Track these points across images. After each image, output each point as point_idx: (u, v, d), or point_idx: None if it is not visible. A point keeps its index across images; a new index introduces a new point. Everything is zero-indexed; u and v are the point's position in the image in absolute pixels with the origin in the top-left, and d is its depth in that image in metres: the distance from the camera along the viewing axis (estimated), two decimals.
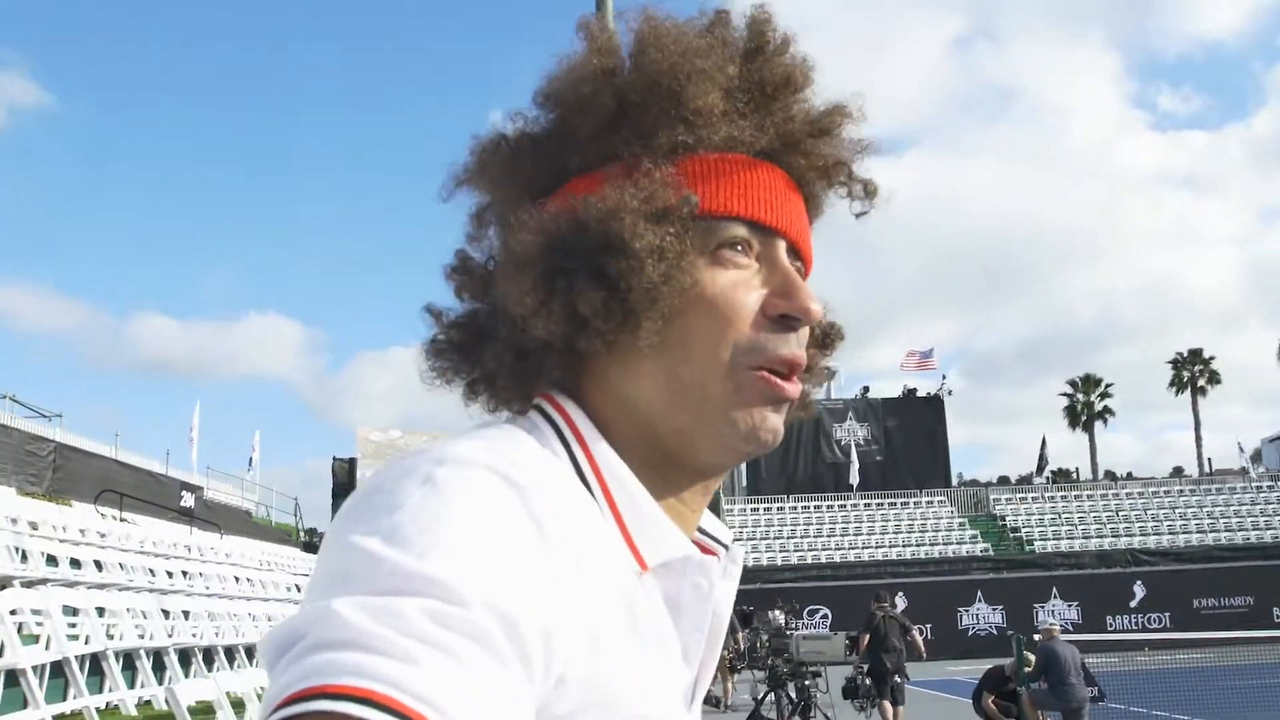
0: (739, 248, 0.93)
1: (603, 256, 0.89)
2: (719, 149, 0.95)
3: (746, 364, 0.90)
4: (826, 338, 1.11)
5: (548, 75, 0.99)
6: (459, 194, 1.04)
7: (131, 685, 10.37)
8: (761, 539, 38.77)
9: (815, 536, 39.05)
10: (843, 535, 39.05)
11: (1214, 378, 63.16)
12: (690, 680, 0.93)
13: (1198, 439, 62.03)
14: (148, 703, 10.36)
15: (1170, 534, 37.81)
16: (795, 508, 41.23)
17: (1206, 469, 58.99)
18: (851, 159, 1.03)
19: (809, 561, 36.52)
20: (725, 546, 1.02)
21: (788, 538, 38.96)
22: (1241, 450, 49.67)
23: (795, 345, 0.93)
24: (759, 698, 14.51)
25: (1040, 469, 49.60)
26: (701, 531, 1.02)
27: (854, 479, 42.75)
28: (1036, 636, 13.83)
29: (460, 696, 0.63)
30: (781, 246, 0.95)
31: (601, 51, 0.96)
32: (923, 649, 16.62)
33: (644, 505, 0.89)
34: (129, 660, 10.60)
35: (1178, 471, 67.05)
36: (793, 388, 0.93)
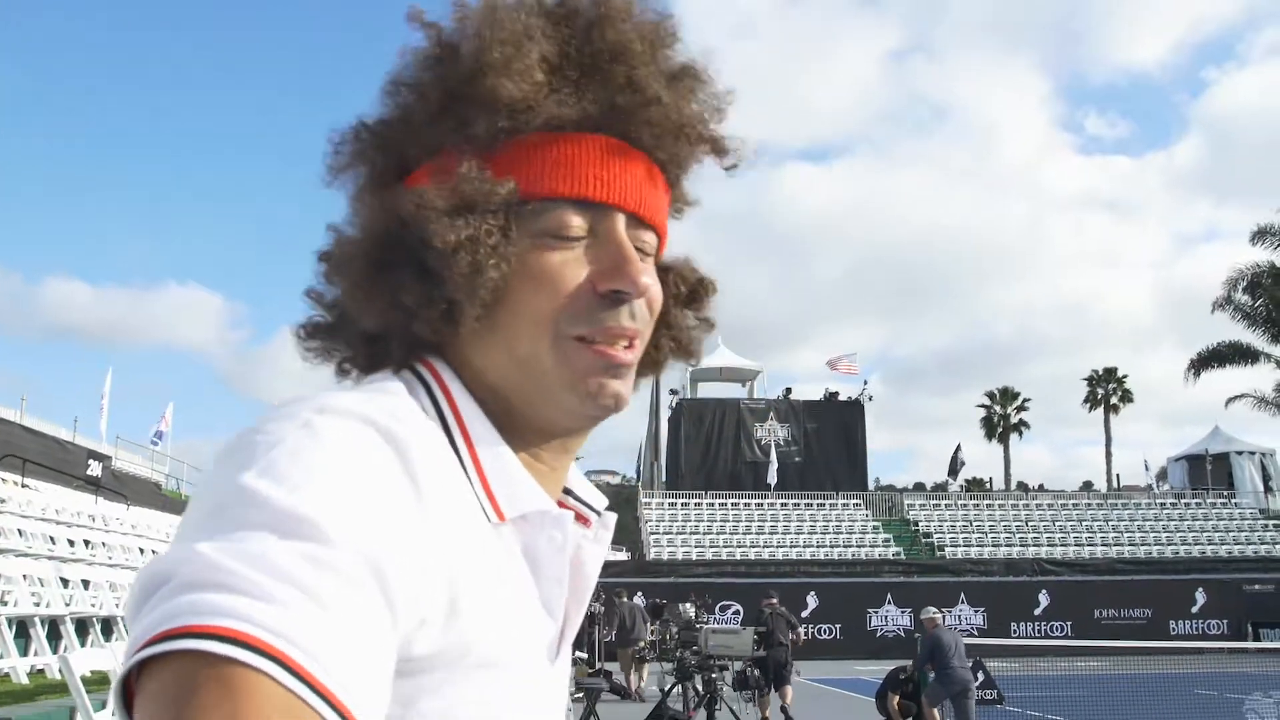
0: (566, 228, 0.94)
1: (419, 251, 0.91)
2: (545, 129, 0.94)
3: (574, 335, 0.93)
4: (694, 294, 1.12)
5: (400, 61, 0.99)
6: (341, 179, 1.04)
7: (24, 653, 10.10)
8: (678, 534, 38.90)
9: (731, 534, 39.27)
10: (758, 534, 39.31)
11: (1126, 396, 64.70)
12: (554, 633, 0.95)
13: (1108, 455, 63.60)
14: (40, 671, 10.10)
15: (1076, 545, 38.69)
16: (713, 504, 41.40)
17: (1115, 484, 60.46)
18: (706, 118, 1.02)
19: (724, 558, 36.72)
20: (598, 513, 1.05)
21: (704, 533, 39.12)
22: (1147, 468, 51.07)
23: (627, 318, 0.95)
24: (666, 689, 14.62)
25: (953, 471, 50.35)
26: (574, 496, 1.05)
27: (772, 479, 43.01)
28: (921, 625, 14.05)
29: (324, 637, 0.64)
30: (619, 220, 0.96)
31: (432, 39, 0.97)
32: (800, 641, 17.51)
33: (505, 460, 0.93)
34: (23, 628, 10.32)
35: (1087, 486, 68.79)
36: (628, 355, 0.95)
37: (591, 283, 0.93)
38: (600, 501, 1.07)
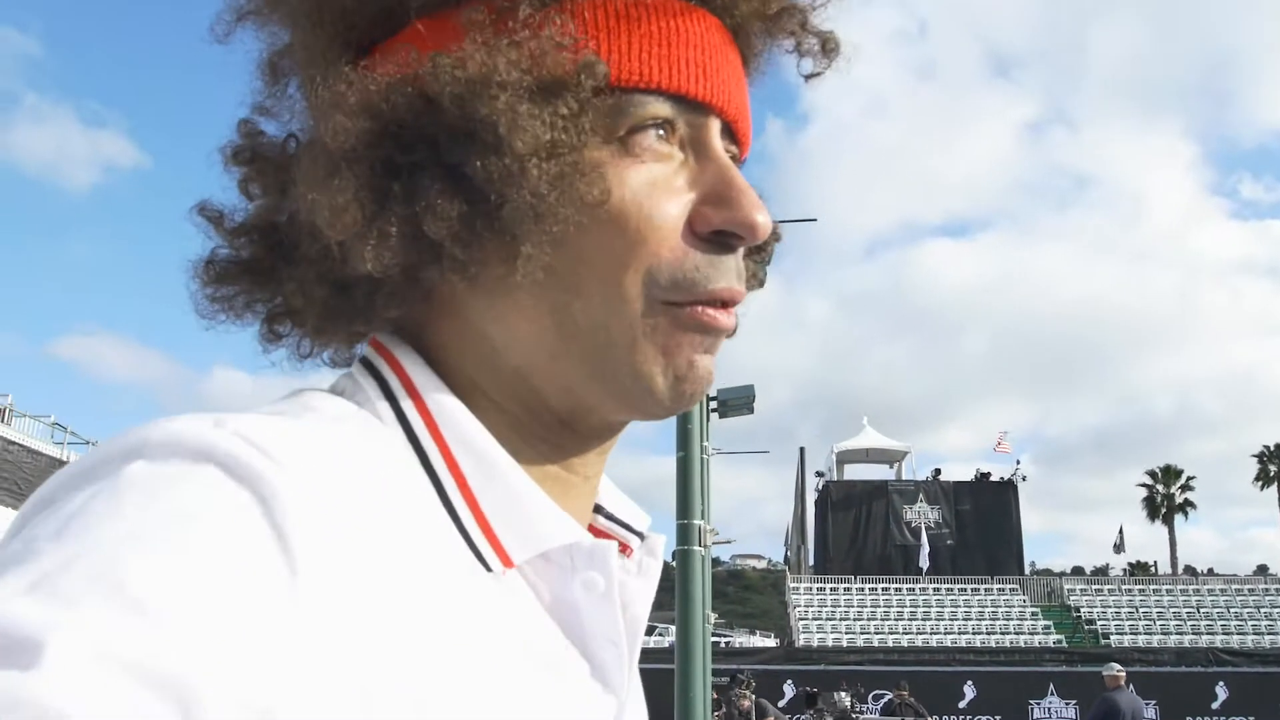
0: (659, 132, 0.67)
1: (463, 152, 0.63)
2: None
3: (667, 299, 0.66)
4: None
5: None
6: (242, 30, 0.75)
7: None
8: (827, 619, 38.03)
9: (883, 619, 38.21)
10: (910, 619, 38.16)
11: None
12: (614, 710, 0.69)
13: None
14: None
15: (1256, 635, 36.40)
16: (863, 589, 40.39)
17: None
18: (808, 5, 0.77)
19: (875, 644, 35.71)
20: (640, 536, 0.77)
21: (854, 619, 38.15)
22: None
23: (734, 274, 0.69)
24: None
25: (1118, 549, 48.14)
26: (608, 517, 0.77)
27: (924, 562, 41.86)
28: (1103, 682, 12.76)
29: None
30: (715, 128, 0.70)
31: None
32: None
33: (511, 480, 0.66)
34: None
35: (1262, 569, 64.85)
36: (729, 320, 0.69)
37: (690, 219, 0.67)
38: (642, 520, 0.79)
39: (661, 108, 0.67)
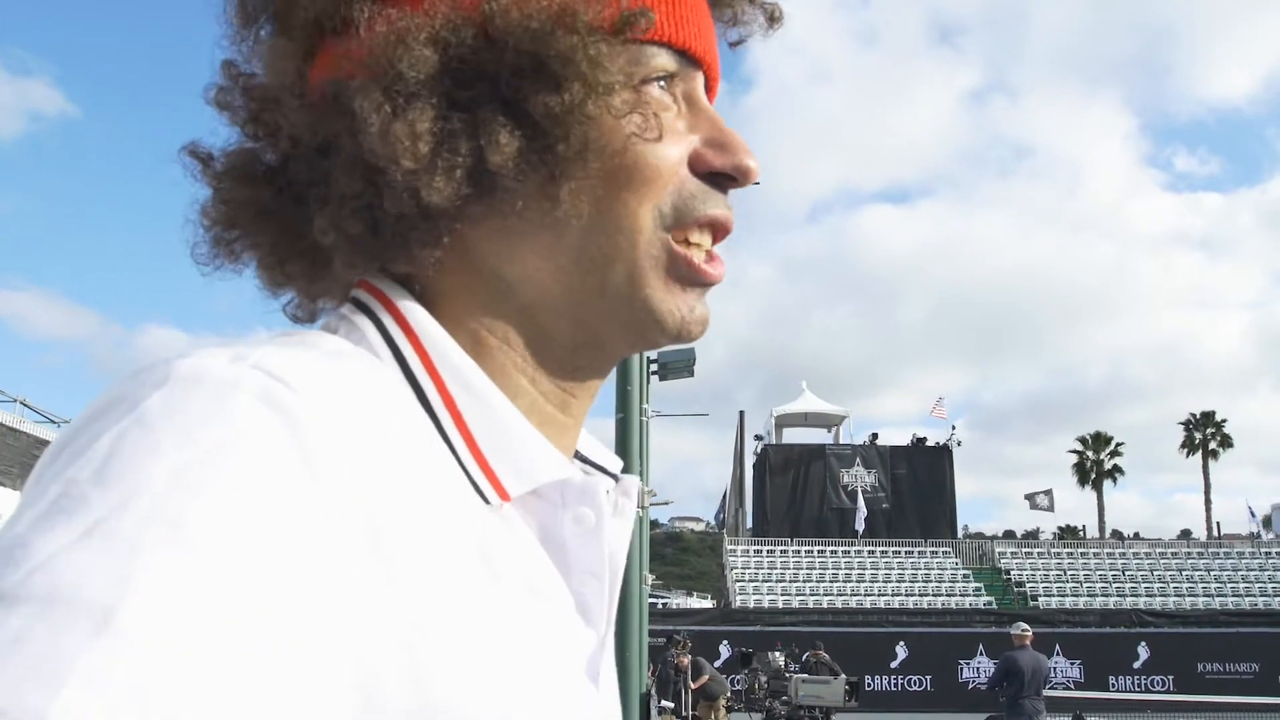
0: (661, 84, 0.72)
1: (526, 88, 0.66)
2: None
3: (668, 226, 0.71)
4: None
5: None
6: None
7: None
8: (764, 581, 38.48)
9: (818, 581, 38.73)
10: (845, 581, 38.73)
11: (1226, 441, 62.74)
12: (594, 645, 0.72)
13: (1207, 502, 61.58)
14: None
15: (1177, 596, 37.43)
16: (799, 551, 40.90)
17: (1215, 533, 58.49)
18: None
19: (810, 606, 36.22)
20: (615, 477, 0.78)
21: (790, 580, 38.64)
22: (1253, 515, 49.30)
23: (725, 205, 0.74)
24: None
25: (1033, 503, 49.18)
26: (583, 460, 0.80)
27: (859, 525, 42.49)
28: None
29: None
30: (701, 82, 0.75)
31: None
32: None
33: (504, 416, 0.68)
34: None
35: (1186, 534, 66.61)
36: (719, 270, 0.74)
37: (690, 161, 0.72)
38: (614, 462, 0.82)
39: (669, 62, 0.72)
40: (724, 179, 0.73)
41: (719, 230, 0.74)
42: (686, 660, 17.46)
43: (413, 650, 0.56)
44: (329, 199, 0.68)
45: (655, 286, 0.71)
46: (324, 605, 0.51)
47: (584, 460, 0.80)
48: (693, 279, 0.72)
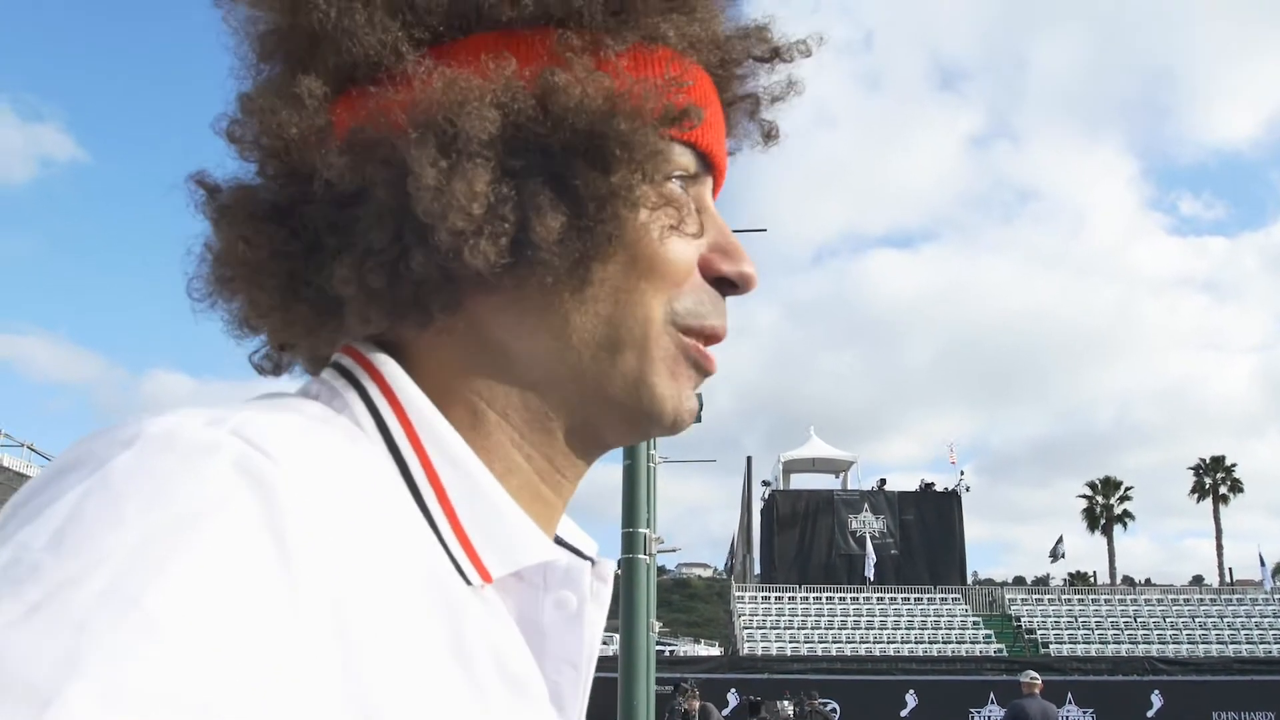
0: (681, 183, 0.73)
1: (581, 164, 0.66)
2: (647, 39, 0.72)
3: (681, 325, 0.71)
4: None
5: None
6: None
7: None
8: (772, 628, 38.13)
9: (826, 629, 38.39)
10: (854, 628, 38.37)
11: (1236, 486, 62.33)
12: None
13: (1219, 547, 61.07)
14: None
15: (1190, 644, 37.03)
16: (808, 598, 40.57)
17: (1227, 579, 57.98)
18: (768, 96, 0.82)
19: (819, 654, 35.86)
20: (591, 561, 0.75)
21: (798, 628, 38.29)
22: (1263, 562, 48.86)
23: (725, 316, 0.74)
24: None
25: (1054, 556, 48.75)
26: (560, 542, 0.77)
27: (869, 572, 42.13)
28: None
29: None
30: (710, 186, 0.76)
31: None
32: None
33: (491, 494, 0.66)
34: None
35: (1197, 580, 66.12)
36: (715, 364, 0.74)
37: (701, 263, 0.73)
38: (590, 545, 0.79)
39: (691, 162, 0.73)
40: (726, 285, 0.74)
41: (714, 342, 0.75)
42: (696, 704, 17.25)
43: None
44: (352, 249, 0.66)
45: (661, 375, 0.71)
46: (276, 699, 0.47)
47: (560, 543, 0.77)
48: (703, 366, 0.73)
